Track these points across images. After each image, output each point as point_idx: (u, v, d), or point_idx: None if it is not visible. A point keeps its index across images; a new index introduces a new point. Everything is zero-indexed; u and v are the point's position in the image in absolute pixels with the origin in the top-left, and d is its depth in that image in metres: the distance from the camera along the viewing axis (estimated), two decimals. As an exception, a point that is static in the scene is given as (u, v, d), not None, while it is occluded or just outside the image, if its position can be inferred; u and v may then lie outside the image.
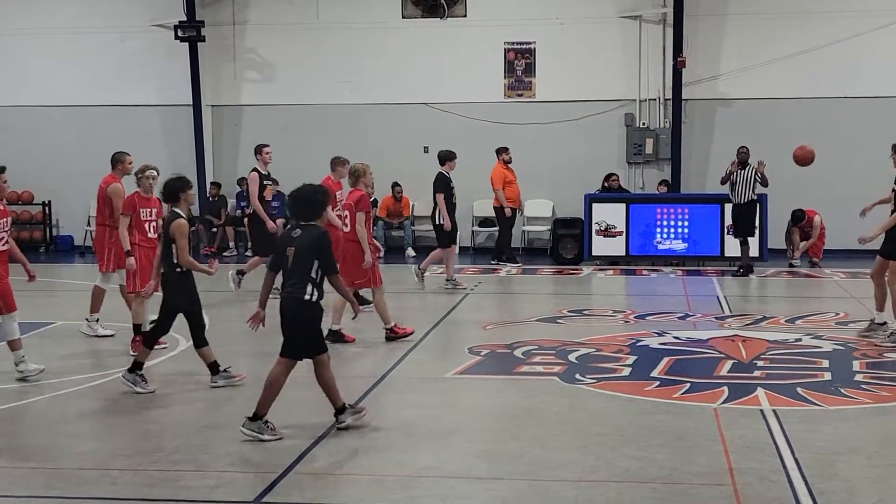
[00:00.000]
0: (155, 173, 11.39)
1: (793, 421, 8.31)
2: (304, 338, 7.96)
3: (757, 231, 18.06)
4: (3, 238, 9.93)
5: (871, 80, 20.29)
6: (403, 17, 21.68)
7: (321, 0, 21.81)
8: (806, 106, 20.48)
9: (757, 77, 20.54)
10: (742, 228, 17.64)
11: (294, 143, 20.78)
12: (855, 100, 20.38)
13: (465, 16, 21.50)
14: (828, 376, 9.90)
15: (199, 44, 21.52)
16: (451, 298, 15.08)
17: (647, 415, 8.67)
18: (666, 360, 10.72)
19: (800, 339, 11.73)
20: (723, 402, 8.95)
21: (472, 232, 21.62)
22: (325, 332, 8.39)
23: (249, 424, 7.88)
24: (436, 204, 15.70)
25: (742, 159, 17.50)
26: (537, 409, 8.90)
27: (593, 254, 19.26)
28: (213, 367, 9.67)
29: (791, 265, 18.80)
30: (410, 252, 21.02)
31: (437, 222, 15.75)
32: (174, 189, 9.58)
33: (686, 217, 19.11)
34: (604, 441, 7.89)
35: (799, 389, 9.31)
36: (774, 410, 8.60)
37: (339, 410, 8.17)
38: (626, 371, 10.30)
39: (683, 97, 20.70)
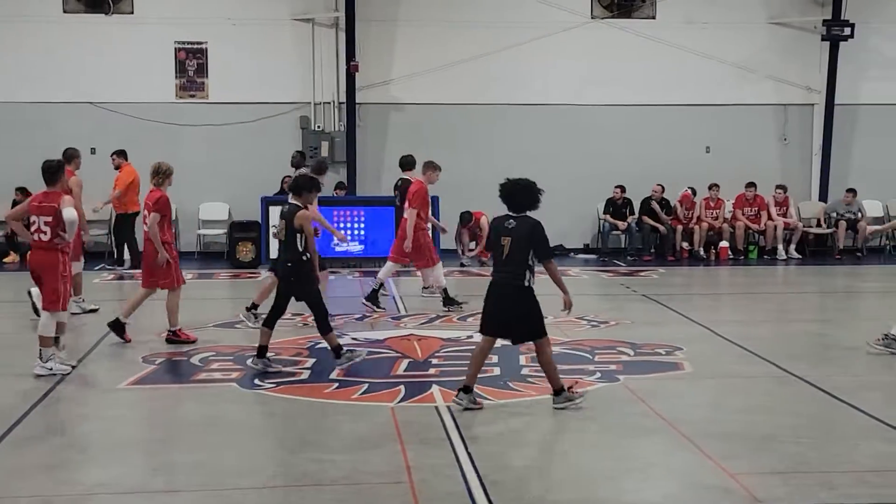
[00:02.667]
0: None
1: (465, 416, 8.62)
2: (530, 322, 8.67)
3: None
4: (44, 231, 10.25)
5: (536, 87, 21.40)
6: (65, 11, 20.67)
7: (-32, -9, 20.42)
8: (474, 111, 21.33)
9: (427, 82, 21.16)
10: None
11: None
12: (520, 106, 21.42)
13: (133, 12, 20.79)
14: (497, 371, 10.33)
15: None
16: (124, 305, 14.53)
17: (326, 417, 8.73)
18: (344, 361, 10.82)
19: (471, 336, 12.14)
20: (400, 401, 9.16)
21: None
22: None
23: (463, 396, 8.75)
24: None
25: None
26: (216, 417, 8.77)
27: (271, 257, 19.10)
28: (337, 350, 10.40)
29: (462, 265, 19.48)
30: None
31: None
32: (301, 187, 10.55)
33: (362, 219, 19.39)
34: (284, 445, 7.89)
35: (471, 385, 9.65)
36: (449, 407, 8.89)
37: (557, 392, 8.85)
38: (306, 374, 10.34)
39: (357, 101, 20.99)
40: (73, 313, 12.26)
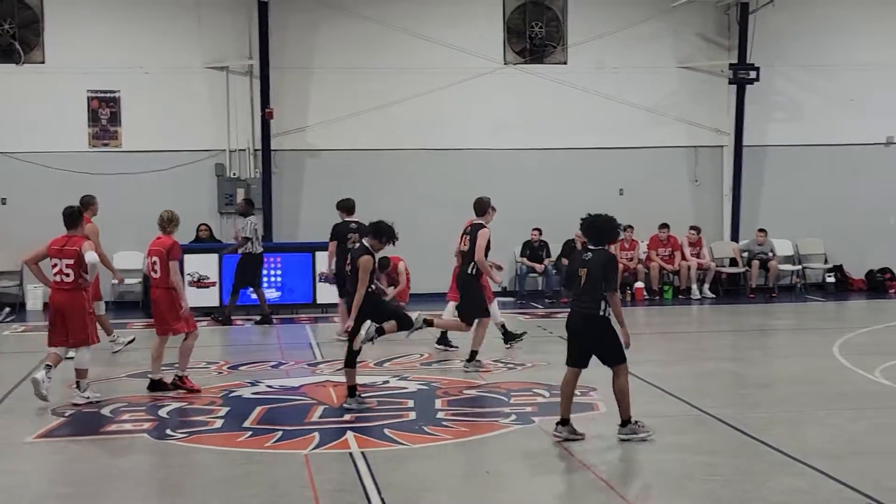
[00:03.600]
0: None
1: (380, 461, 8.58)
2: (609, 348, 9.18)
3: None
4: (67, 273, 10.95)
5: (451, 132, 21.56)
6: (-26, 61, 20.41)
7: None
8: (389, 156, 21.41)
9: (343, 128, 21.18)
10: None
11: None
12: (436, 151, 21.57)
13: (44, 62, 20.55)
14: (413, 416, 10.32)
15: None
16: (33, 358, 14.24)
17: (239, 465, 8.63)
18: (258, 409, 10.74)
19: (387, 381, 12.15)
20: (314, 448, 9.09)
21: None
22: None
23: (561, 429, 9.22)
24: None
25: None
26: (126, 469, 8.63)
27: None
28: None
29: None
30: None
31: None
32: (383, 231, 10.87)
33: (279, 265, 19.29)
34: (195, 496, 7.77)
35: (386, 430, 9.64)
36: (363, 452, 8.84)
37: (624, 423, 9.20)
38: (219, 423, 10.22)
39: (273, 148, 20.94)
40: (114, 352, 14.19)
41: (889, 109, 22.57)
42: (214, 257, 19.08)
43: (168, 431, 9.79)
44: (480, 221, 13.38)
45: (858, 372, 12.56)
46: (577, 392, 11.33)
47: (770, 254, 21.83)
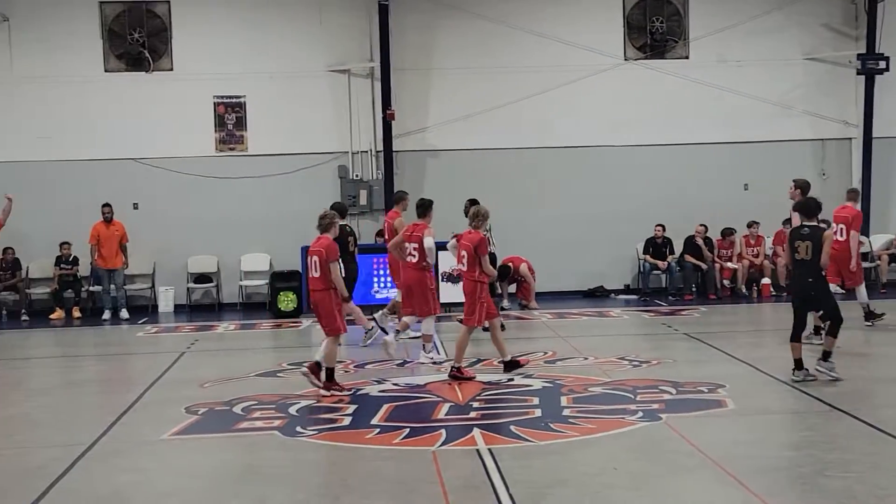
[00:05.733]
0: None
1: (506, 458, 8.59)
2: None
3: None
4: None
5: (572, 130, 21.52)
6: (106, 70, 21.07)
7: (15, 52, 20.84)
8: (511, 155, 21.44)
9: (463, 128, 21.31)
10: None
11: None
12: (557, 149, 21.52)
13: (172, 69, 21.16)
14: (538, 413, 10.30)
15: None
16: (167, 358, 14.68)
17: (367, 462, 8.73)
18: (386, 406, 10.84)
19: (512, 379, 12.15)
20: (441, 445, 9.13)
21: (188, 289, 21.17)
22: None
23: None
24: None
25: None
26: (258, 465, 8.79)
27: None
28: (799, 363, 11.58)
29: (503, 308, 19.46)
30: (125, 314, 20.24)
31: None
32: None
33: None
34: (326, 492, 7.88)
35: (512, 427, 9.64)
36: (490, 449, 8.86)
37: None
38: (347, 420, 10.34)
39: (394, 149, 21.17)
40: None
41: None
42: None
43: (298, 429, 9.95)
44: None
45: None
46: (703, 388, 11.26)
47: (903, 248, 21.22)
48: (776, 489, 7.62)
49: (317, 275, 11.76)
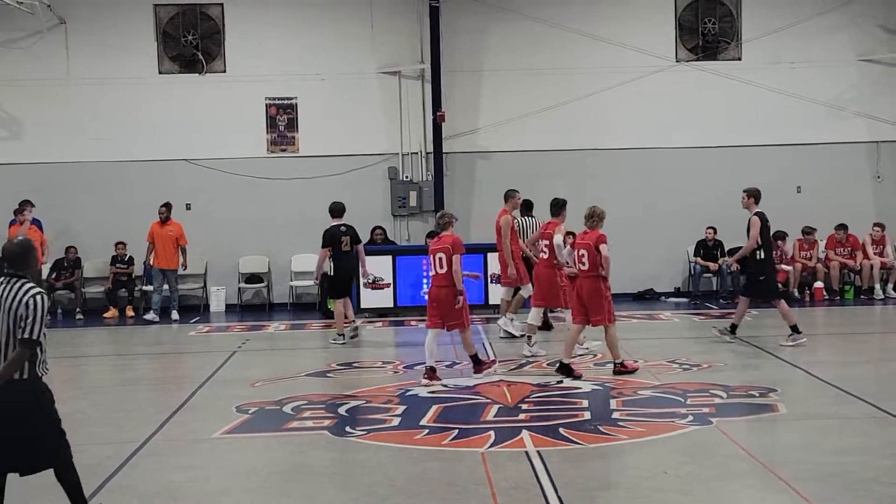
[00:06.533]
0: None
1: (556, 460, 8.58)
2: None
3: None
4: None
5: (622, 132, 21.41)
6: (160, 72, 21.30)
7: (71, 54, 21.13)
8: (560, 157, 21.37)
9: (513, 130, 21.27)
10: None
11: (50, 203, 19.99)
12: (607, 151, 21.43)
13: (225, 71, 21.33)
14: (587, 415, 10.28)
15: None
16: (218, 357, 14.81)
17: (416, 463, 8.75)
18: (434, 407, 10.87)
19: (561, 382, 12.13)
20: (490, 446, 9.14)
21: (240, 289, 21.33)
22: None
23: None
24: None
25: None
26: (307, 465, 8.85)
27: (362, 306, 19.29)
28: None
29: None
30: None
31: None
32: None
33: (451, 267, 19.42)
34: (374, 492, 7.92)
35: (561, 430, 9.62)
36: (539, 451, 8.85)
37: None
38: (396, 421, 10.38)
39: (444, 150, 21.18)
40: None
41: None
42: (389, 259, 19.39)
43: (347, 429, 10.00)
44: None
45: None
46: (755, 393, 11.17)
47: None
48: (828, 495, 7.55)
49: (442, 271, 12.24)
